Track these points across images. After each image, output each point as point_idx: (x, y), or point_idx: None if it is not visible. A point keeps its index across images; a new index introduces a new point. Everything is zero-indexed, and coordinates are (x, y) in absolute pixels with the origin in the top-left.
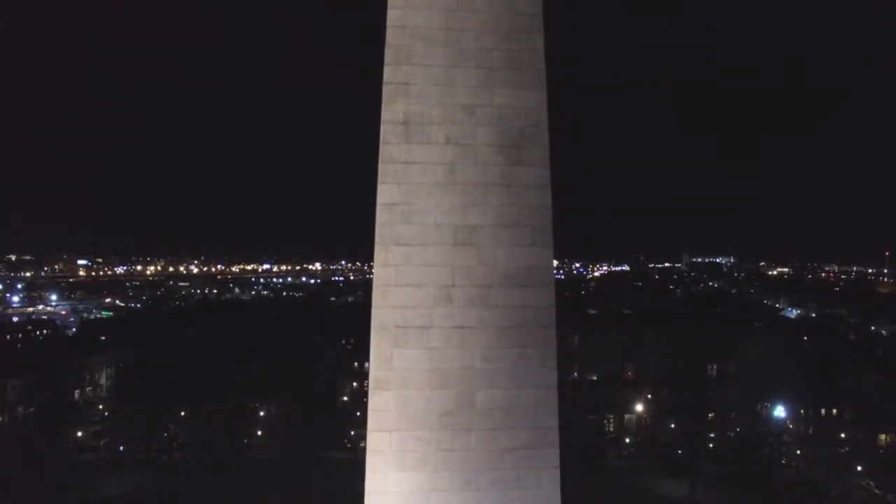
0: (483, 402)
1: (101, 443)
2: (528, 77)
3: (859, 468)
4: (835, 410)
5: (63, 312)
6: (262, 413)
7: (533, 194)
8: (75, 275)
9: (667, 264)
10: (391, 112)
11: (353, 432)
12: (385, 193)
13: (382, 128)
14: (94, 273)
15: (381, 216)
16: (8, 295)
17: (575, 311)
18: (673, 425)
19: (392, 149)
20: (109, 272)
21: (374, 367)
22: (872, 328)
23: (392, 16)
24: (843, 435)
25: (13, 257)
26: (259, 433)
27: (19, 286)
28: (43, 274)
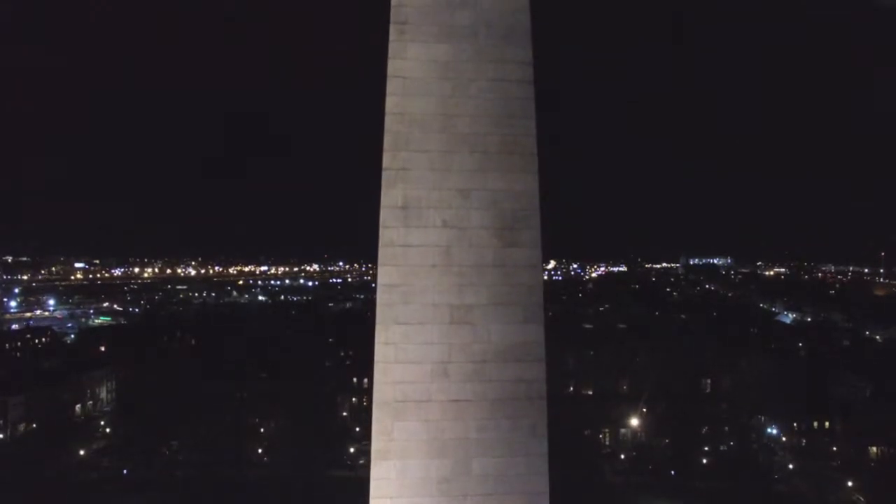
0: (478, 469)
1: (103, 460)
2: (521, 161)
3: (850, 483)
4: (827, 423)
5: (59, 317)
6: (262, 430)
7: (525, 274)
8: (72, 276)
9: (664, 264)
10: (390, 197)
11: (352, 449)
12: (385, 275)
13: (382, 212)
14: (91, 276)
15: (381, 297)
16: (5, 300)
17: (571, 324)
18: (667, 440)
19: (391, 232)
20: (107, 274)
21: (376, 438)
22: (867, 333)
23: (390, 103)
24: (834, 448)
25: (9, 259)
26: (259, 450)
27: (16, 290)
28: (40, 277)
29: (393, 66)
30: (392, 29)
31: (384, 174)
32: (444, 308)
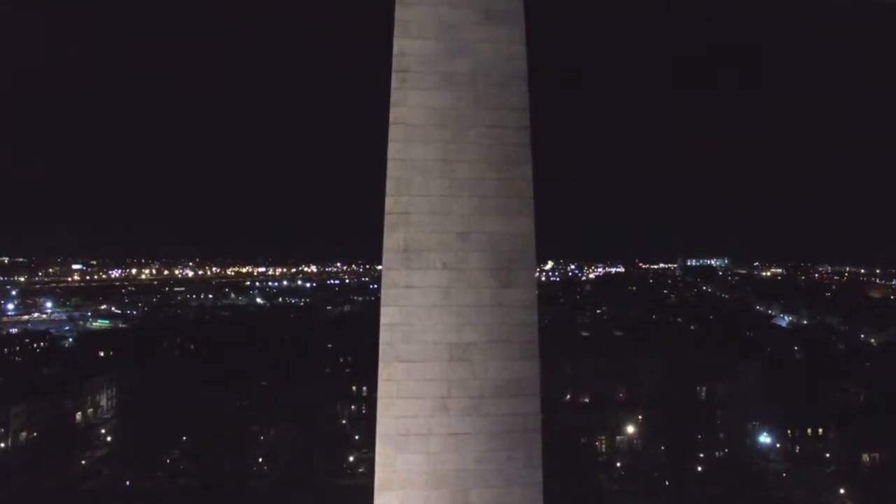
0: (476, 500)
1: (104, 469)
2: (517, 204)
3: (842, 491)
4: (821, 429)
5: (57, 319)
6: (261, 437)
7: (521, 313)
8: (69, 276)
9: (662, 265)
10: (392, 240)
11: (352, 458)
12: (387, 315)
13: (385, 255)
14: (88, 277)
15: (384, 336)
16: (3, 302)
17: (568, 330)
18: (663, 447)
19: (394, 274)
20: (104, 276)
21: (379, 470)
22: (862, 336)
23: (392, 149)
24: (828, 454)
25: (6, 260)
26: (260, 459)
27: (13, 293)
28: (37, 278)
29: (395, 113)
30: (394, 77)
31: (386, 218)
32: (444, 346)
